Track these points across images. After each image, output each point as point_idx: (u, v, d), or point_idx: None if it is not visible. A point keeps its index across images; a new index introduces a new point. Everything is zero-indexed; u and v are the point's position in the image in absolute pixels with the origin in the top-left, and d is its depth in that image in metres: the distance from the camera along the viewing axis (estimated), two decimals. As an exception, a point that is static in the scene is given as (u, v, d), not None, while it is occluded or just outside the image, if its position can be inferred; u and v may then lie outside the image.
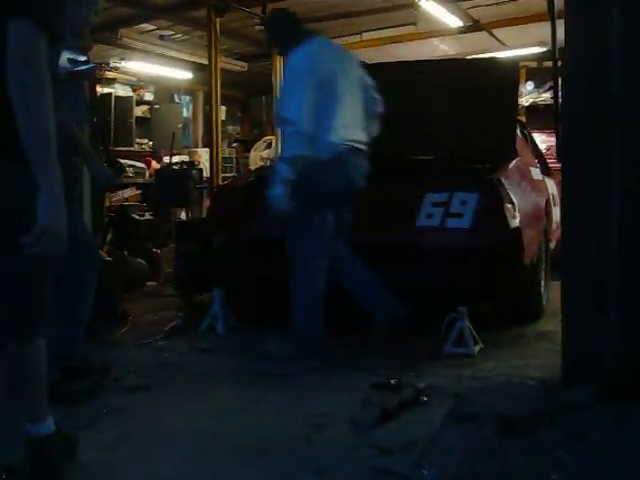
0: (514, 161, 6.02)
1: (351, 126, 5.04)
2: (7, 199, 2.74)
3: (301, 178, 4.75)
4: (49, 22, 2.68)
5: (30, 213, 2.60)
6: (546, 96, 13.58)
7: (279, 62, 10.49)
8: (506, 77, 6.59)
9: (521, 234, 5.31)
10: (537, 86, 13.96)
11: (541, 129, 12.65)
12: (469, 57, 11.89)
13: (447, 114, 6.34)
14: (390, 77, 6.92)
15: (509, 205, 5.30)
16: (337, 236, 5.11)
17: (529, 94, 13.88)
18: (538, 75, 13.50)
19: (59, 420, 3.11)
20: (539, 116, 13.40)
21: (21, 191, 2.68)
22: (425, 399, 4.08)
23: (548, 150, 11.73)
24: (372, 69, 7.89)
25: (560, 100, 4.63)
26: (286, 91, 5.01)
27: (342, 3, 8.62)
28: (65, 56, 4.04)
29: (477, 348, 5.09)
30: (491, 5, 9.28)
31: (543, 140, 12.64)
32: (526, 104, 13.52)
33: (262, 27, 9.10)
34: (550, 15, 4.91)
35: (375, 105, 5.36)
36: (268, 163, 11.95)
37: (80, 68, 4.22)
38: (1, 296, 2.89)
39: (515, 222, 5.28)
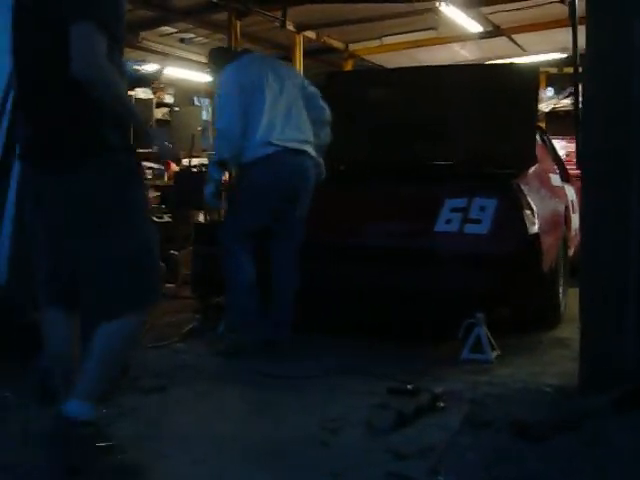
0: (533, 167, 6.01)
1: (283, 127, 5.21)
2: (99, 189, 3.00)
3: (235, 178, 5.02)
4: (109, 25, 2.91)
5: (121, 198, 3.02)
6: (566, 102, 13.53)
7: (299, 65, 10.51)
8: (526, 83, 6.59)
9: (540, 240, 5.29)
10: (557, 92, 13.91)
11: (561, 135, 12.61)
12: (489, 62, 11.91)
13: (467, 119, 6.34)
14: (411, 82, 6.96)
15: (528, 211, 5.28)
16: (284, 237, 5.32)
17: (549, 100, 13.82)
18: (558, 81, 13.44)
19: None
20: (559, 122, 13.35)
21: (112, 181, 3.01)
22: (442, 405, 4.07)
23: (568, 156, 11.70)
24: (392, 74, 7.94)
25: (580, 106, 4.60)
26: (219, 103, 5.43)
27: (362, 8, 8.60)
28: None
29: (494, 354, 5.07)
30: (512, 11, 9.23)
31: (563, 146, 12.61)
32: (546, 110, 13.46)
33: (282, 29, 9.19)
34: (571, 20, 4.88)
35: (321, 113, 5.57)
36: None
37: (146, 72, 4.35)
38: (92, 280, 3.08)
39: (534, 228, 5.26)
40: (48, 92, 3.01)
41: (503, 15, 9.69)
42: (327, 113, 5.57)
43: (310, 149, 5.34)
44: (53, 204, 3.09)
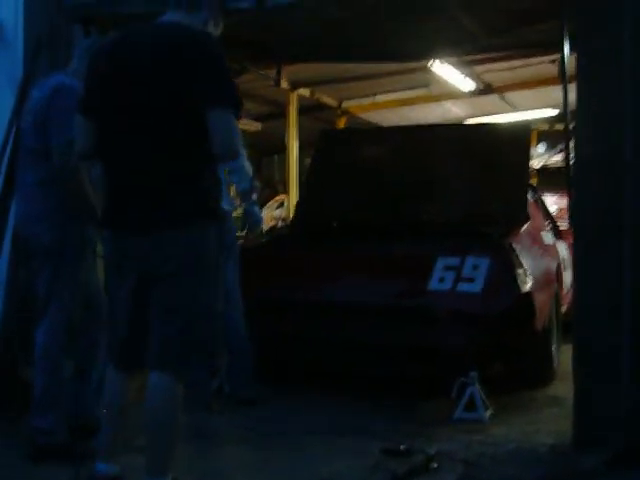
0: (525, 225, 6.05)
1: None
2: (203, 246, 3.25)
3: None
4: (237, 102, 3.18)
5: (215, 261, 3.29)
6: (557, 159, 13.65)
7: (293, 122, 10.60)
8: (518, 142, 6.67)
9: (532, 299, 5.32)
10: (548, 148, 14.04)
11: (552, 191, 12.70)
12: (482, 122, 12.03)
13: (460, 178, 6.40)
14: (403, 141, 7.04)
15: (520, 270, 5.31)
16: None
17: (540, 156, 13.95)
18: (549, 137, 13.58)
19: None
20: (550, 178, 13.44)
21: (211, 242, 3.26)
22: (435, 465, 4.05)
23: (559, 212, 11.76)
24: (385, 132, 8.03)
25: (571, 164, 4.66)
26: None
27: (355, 67, 8.70)
28: None
29: (488, 413, 5.06)
30: (504, 70, 9.36)
31: (554, 202, 12.68)
32: (537, 166, 13.58)
33: (276, 87, 9.28)
34: (561, 80, 4.96)
35: None
36: (280, 223, 12.01)
37: None
38: (161, 329, 3.21)
39: (526, 287, 5.29)
40: (162, 163, 3.21)
41: (494, 74, 9.82)
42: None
43: None
44: (150, 258, 3.25)
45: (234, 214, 5.62)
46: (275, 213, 14.33)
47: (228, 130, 3.13)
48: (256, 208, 5.57)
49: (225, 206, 5.42)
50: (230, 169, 5.42)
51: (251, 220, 5.56)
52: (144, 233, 3.23)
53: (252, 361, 5.36)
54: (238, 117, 3.20)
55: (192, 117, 3.13)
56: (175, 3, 3.41)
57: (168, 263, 3.21)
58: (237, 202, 5.75)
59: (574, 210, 4.65)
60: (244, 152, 5.40)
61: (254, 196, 5.49)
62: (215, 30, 3.47)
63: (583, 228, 4.41)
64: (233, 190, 5.77)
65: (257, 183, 5.54)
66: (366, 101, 11.54)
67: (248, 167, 5.39)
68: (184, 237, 3.20)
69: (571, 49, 4.79)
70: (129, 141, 3.23)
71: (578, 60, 4.39)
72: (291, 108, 10.50)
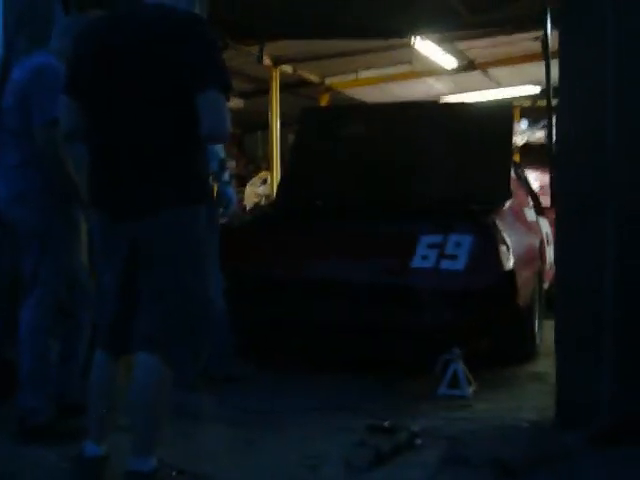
0: (508, 203, 6.07)
1: None
2: (192, 230, 3.27)
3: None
4: (228, 83, 3.18)
5: (203, 245, 3.32)
6: (540, 135, 13.67)
7: (276, 99, 10.57)
8: (501, 120, 6.69)
9: (515, 276, 5.35)
10: (531, 125, 14.05)
11: (535, 167, 12.72)
12: (465, 98, 12.04)
13: (443, 156, 6.40)
14: (386, 119, 7.04)
15: (503, 247, 5.33)
16: None
17: (523, 132, 13.96)
18: (532, 113, 13.59)
19: (55, 459, 3.13)
20: (533, 154, 13.46)
21: (187, 226, 3.24)
22: (420, 442, 4.08)
23: (541, 188, 11.79)
24: (367, 110, 8.02)
25: (554, 139, 4.67)
26: None
27: (338, 43, 8.68)
28: None
29: (471, 390, 5.10)
30: (487, 47, 9.36)
31: (536, 178, 12.70)
32: (520, 142, 13.59)
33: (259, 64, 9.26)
34: (544, 57, 4.97)
35: None
36: (263, 200, 12.00)
37: None
38: (150, 310, 3.22)
39: (509, 264, 5.31)
40: (151, 144, 3.20)
41: (477, 50, 9.81)
42: None
43: None
44: (139, 241, 3.25)
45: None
46: (259, 190, 14.31)
47: (218, 111, 3.12)
48: (229, 189, 5.49)
49: None
50: None
51: (224, 201, 5.49)
52: (134, 215, 3.22)
53: (233, 338, 5.37)
54: (227, 98, 3.19)
55: (182, 99, 3.13)
56: None
57: (158, 245, 3.21)
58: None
59: (556, 188, 4.66)
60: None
61: (226, 176, 5.44)
62: (201, 11, 3.46)
63: (565, 207, 4.43)
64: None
65: (229, 162, 5.48)
66: (349, 77, 11.51)
67: (218, 147, 5.38)
68: (174, 219, 3.21)
69: (554, 26, 4.79)
70: (117, 122, 3.22)
71: (560, 37, 4.40)
72: (274, 85, 10.46)
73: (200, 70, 3.12)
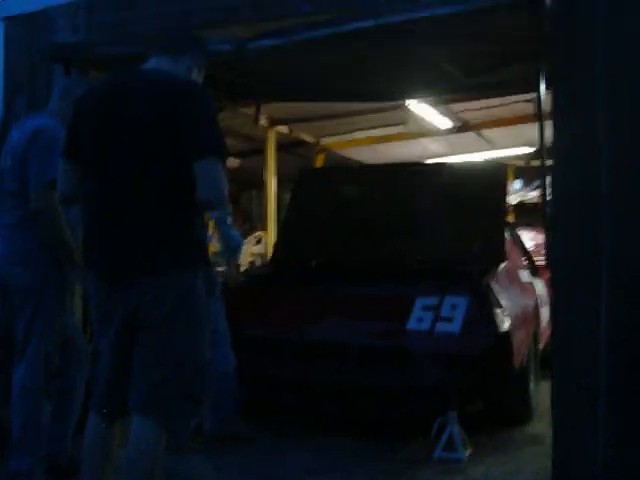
0: (503, 265, 6.09)
1: None
2: (192, 293, 3.25)
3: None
4: (224, 151, 3.23)
5: (203, 309, 3.29)
6: (534, 194, 13.71)
7: (271, 158, 10.63)
8: (495, 181, 6.74)
9: (510, 338, 5.34)
10: (525, 184, 14.11)
11: (529, 227, 12.76)
12: (459, 160, 12.11)
13: (437, 217, 6.44)
14: (380, 180, 7.09)
15: (498, 309, 5.34)
16: None
17: (517, 192, 14.01)
18: (526, 173, 13.65)
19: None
20: (527, 214, 13.50)
21: (185, 291, 3.23)
22: (416, 507, 4.05)
23: (536, 248, 11.81)
24: (362, 171, 8.07)
25: (548, 199, 4.71)
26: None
27: (334, 105, 8.76)
28: None
29: (467, 453, 5.07)
30: (482, 109, 9.44)
31: (531, 238, 12.74)
32: (514, 202, 13.64)
33: (255, 125, 9.31)
34: (538, 117, 5.03)
35: None
36: (259, 261, 11.99)
37: None
38: (146, 376, 3.21)
39: (504, 326, 5.31)
40: (149, 209, 3.22)
41: (471, 112, 9.90)
42: None
43: None
44: (138, 305, 3.22)
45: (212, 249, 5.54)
46: (254, 249, 14.28)
47: (214, 178, 3.15)
48: (234, 231, 5.34)
49: None
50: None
51: (230, 244, 5.33)
52: (130, 280, 3.23)
53: (237, 398, 5.33)
54: (224, 166, 3.21)
55: (179, 165, 3.16)
56: (161, 48, 3.45)
57: (157, 309, 3.20)
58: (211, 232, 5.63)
59: (550, 248, 4.68)
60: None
61: (229, 219, 5.33)
62: (198, 77, 3.50)
63: (560, 266, 4.44)
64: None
65: (230, 207, 5.36)
66: (344, 138, 11.57)
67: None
68: (171, 284, 3.21)
69: (546, 87, 4.86)
70: (115, 187, 3.24)
71: (554, 99, 4.44)
72: (269, 145, 10.52)
73: (197, 138, 3.16)
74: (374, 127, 10.92)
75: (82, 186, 3.38)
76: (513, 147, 12.41)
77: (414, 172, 7.40)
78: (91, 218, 3.38)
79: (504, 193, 6.83)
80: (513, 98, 8.47)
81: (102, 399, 3.39)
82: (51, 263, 4.16)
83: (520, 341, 5.64)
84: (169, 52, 3.42)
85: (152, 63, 3.43)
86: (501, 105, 9.13)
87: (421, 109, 9.26)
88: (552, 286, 4.58)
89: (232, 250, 5.38)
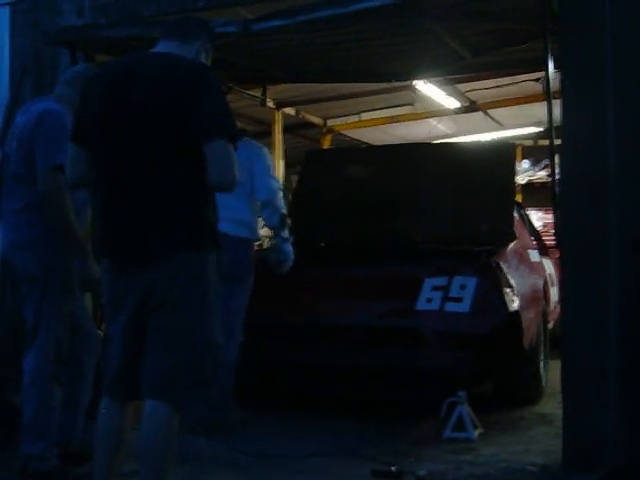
0: (512, 244, 6.07)
1: None
2: (206, 274, 3.25)
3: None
4: (235, 133, 3.21)
5: (215, 291, 3.28)
6: (542, 174, 13.69)
7: (278, 140, 10.62)
8: (503, 160, 6.71)
9: (520, 318, 5.34)
10: (533, 164, 14.07)
11: (537, 206, 12.74)
12: (466, 140, 12.07)
13: (446, 197, 6.42)
14: (389, 160, 7.06)
15: (508, 289, 5.34)
16: None
17: (525, 172, 13.98)
18: (534, 153, 13.62)
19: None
20: (535, 193, 13.50)
21: (196, 274, 3.22)
22: (426, 486, 4.06)
23: (544, 227, 11.80)
24: (370, 152, 8.05)
25: (557, 179, 4.70)
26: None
27: (341, 86, 8.73)
28: None
29: (477, 432, 5.07)
30: (489, 88, 9.40)
31: (539, 217, 12.73)
32: (522, 182, 13.63)
33: (262, 107, 9.30)
34: (546, 97, 5.01)
35: (258, 194, 5.50)
36: (267, 242, 12.00)
37: None
38: (159, 359, 3.19)
39: (514, 306, 5.31)
40: (160, 192, 3.21)
41: (479, 92, 9.85)
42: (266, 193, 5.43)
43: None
44: (151, 287, 3.22)
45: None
46: (262, 231, 14.25)
47: (225, 160, 3.14)
48: (287, 245, 5.36)
49: (251, 236, 5.43)
50: (262, 202, 5.42)
51: (279, 257, 5.38)
52: (143, 263, 3.22)
53: (229, 386, 5.32)
54: (235, 148, 3.21)
55: (190, 148, 3.15)
56: (169, 32, 3.43)
57: (170, 292, 3.20)
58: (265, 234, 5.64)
59: (560, 227, 4.67)
60: (279, 187, 5.44)
61: (285, 232, 5.36)
62: (206, 61, 3.49)
63: (569, 246, 4.44)
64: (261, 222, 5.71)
65: (289, 220, 5.41)
66: (351, 119, 11.54)
67: (280, 204, 5.38)
68: (184, 266, 3.20)
69: (555, 66, 4.83)
70: (125, 171, 3.22)
71: (562, 79, 4.44)
72: (276, 127, 10.49)
73: (208, 120, 3.15)
74: (381, 108, 10.89)
75: (91, 171, 3.37)
76: (521, 127, 12.37)
77: (422, 152, 7.39)
78: (102, 202, 3.37)
79: (513, 172, 6.82)
80: (521, 77, 8.43)
81: (114, 383, 3.39)
82: (57, 248, 4.15)
83: (529, 321, 5.63)
84: (178, 36, 3.41)
85: (161, 46, 3.41)
86: (509, 84, 9.08)
87: (428, 89, 9.22)
88: (561, 265, 4.58)
89: (280, 262, 5.40)
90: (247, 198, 5.38)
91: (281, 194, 5.46)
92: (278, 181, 5.53)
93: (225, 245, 4.78)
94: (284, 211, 5.39)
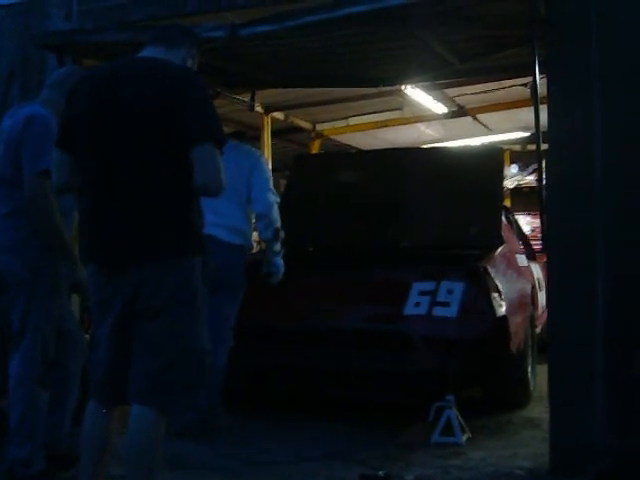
0: (500, 249, 6.09)
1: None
2: (191, 279, 3.25)
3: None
4: (222, 137, 3.21)
5: (202, 296, 3.28)
6: (530, 179, 13.75)
7: (267, 145, 10.62)
8: (491, 165, 6.72)
9: (508, 323, 5.36)
10: (521, 169, 14.13)
11: (525, 211, 12.78)
12: (455, 145, 12.09)
13: (434, 202, 6.43)
14: (376, 165, 7.07)
15: (495, 294, 5.35)
16: None
17: (513, 177, 14.04)
18: (522, 158, 13.66)
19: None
20: (523, 198, 13.55)
21: (183, 278, 3.22)
22: (414, 491, 4.06)
23: (533, 232, 11.84)
24: (358, 157, 8.05)
25: (544, 183, 4.73)
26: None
27: (329, 91, 8.74)
28: None
29: (465, 437, 5.08)
30: (477, 93, 9.42)
31: (527, 222, 12.77)
32: (510, 187, 13.67)
33: (250, 112, 9.30)
34: (534, 102, 5.03)
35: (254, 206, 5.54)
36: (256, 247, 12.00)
37: None
38: (146, 363, 3.19)
39: (501, 311, 5.33)
40: (147, 197, 3.21)
41: (467, 97, 9.88)
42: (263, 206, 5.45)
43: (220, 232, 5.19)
44: (138, 292, 3.22)
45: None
46: (255, 235, 14.22)
47: (212, 164, 3.15)
48: (278, 259, 5.42)
49: (244, 243, 5.42)
50: (258, 215, 5.45)
51: (270, 269, 5.42)
52: (130, 267, 3.22)
53: (220, 390, 5.31)
54: (221, 152, 3.21)
55: (176, 152, 3.16)
56: (155, 39, 3.44)
57: (157, 296, 3.20)
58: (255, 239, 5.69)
59: (547, 231, 4.69)
60: (276, 200, 5.44)
61: (277, 246, 5.40)
62: (193, 66, 3.50)
63: (556, 249, 4.46)
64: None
65: (282, 234, 5.44)
66: (340, 124, 11.54)
67: (276, 217, 5.40)
68: (172, 270, 3.21)
69: (542, 72, 4.86)
70: (114, 174, 3.22)
71: (549, 86, 4.46)
72: (265, 131, 10.50)
73: (195, 124, 3.15)
74: (370, 113, 10.91)
75: (76, 175, 3.37)
76: (509, 132, 12.40)
77: (410, 157, 7.39)
78: (88, 206, 3.37)
79: (501, 176, 6.83)
80: (509, 82, 8.46)
81: (101, 387, 3.38)
82: (44, 252, 4.14)
83: (517, 325, 5.65)
84: (163, 43, 3.42)
85: (147, 52, 3.42)
86: (497, 89, 9.11)
87: (417, 94, 9.24)
88: (548, 269, 4.60)
89: (270, 275, 5.45)
90: (243, 206, 5.41)
91: (277, 208, 5.47)
92: (276, 194, 5.54)
93: (218, 251, 4.84)
94: (278, 225, 5.41)
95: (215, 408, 5.28)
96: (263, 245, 5.73)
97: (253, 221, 5.65)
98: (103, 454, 3.38)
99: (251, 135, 11.23)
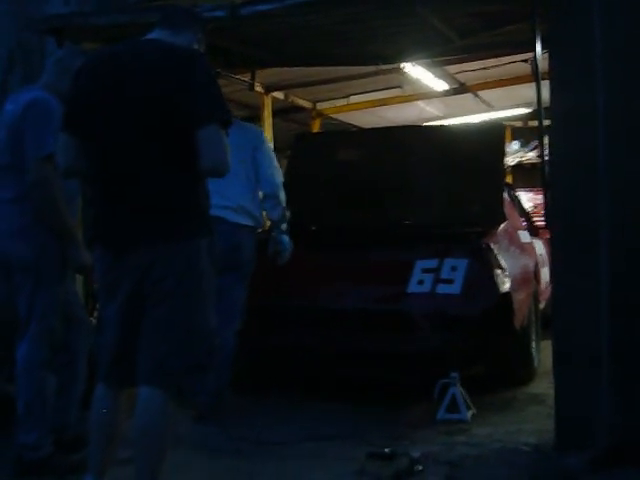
0: (502, 225, 6.09)
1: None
2: (199, 261, 3.26)
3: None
4: (227, 118, 3.21)
5: (198, 269, 3.26)
6: (532, 155, 13.69)
7: (268, 125, 10.60)
8: (492, 141, 6.71)
9: (511, 299, 5.36)
10: (523, 145, 14.06)
11: (527, 187, 12.74)
12: (456, 122, 12.05)
13: (436, 179, 6.42)
14: (378, 143, 7.06)
15: (498, 270, 5.36)
16: None
17: (515, 153, 13.98)
18: (524, 134, 13.61)
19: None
20: (525, 174, 13.50)
21: (190, 260, 3.23)
22: (420, 468, 4.08)
23: (535, 208, 11.81)
24: (360, 135, 8.03)
25: (546, 160, 4.72)
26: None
27: (329, 69, 8.70)
28: None
29: (470, 413, 5.10)
30: (478, 70, 9.38)
31: (530, 198, 12.73)
32: (512, 163, 13.62)
33: (250, 91, 9.28)
34: (535, 79, 5.01)
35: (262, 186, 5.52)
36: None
37: None
38: (154, 345, 3.21)
39: (505, 287, 5.33)
40: (153, 179, 3.22)
41: (468, 73, 9.84)
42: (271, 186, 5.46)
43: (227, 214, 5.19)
44: (146, 274, 3.23)
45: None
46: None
47: (217, 146, 3.16)
48: (285, 237, 5.45)
49: (252, 223, 5.41)
50: (266, 194, 5.44)
51: (278, 248, 5.44)
52: (138, 249, 3.23)
53: (228, 371, 5.32)
54: (227, 133, 3.21)
55: (182, 134, 3.16)
56: (158, 22, 3.44)
57: (164, 280, 3.21)
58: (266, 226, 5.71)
59: (550, 208, 4.69)
60: (281, 181, 5.46)
61: (284, 225, 5.44)
62: (200, 49, 3.49)
63: (559, 226, 4.45)
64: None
65: (288, 213, 5.47)
66: (340, 102, 11.50)
67: (283, 198, 5.42)
68: (179, 252, 3.22)
69: (543, 48, 4.84)
70: (120, 157, 3.23)
71: (550, 62, 4.44)
72: (266, 111, 10.47)
73: (200, 106, 3.16)
74: (370, 91, 10.87)
75: (82, 159, 3.37)
76: (511, 108, 12.34)
77: (411, 135, 7.38)
78: (95, 189, 3.37)
79: (502, 153, 6.82)
80: (510, 58, 8.41)
81: (109, 369, 3.39)
82: (49, 237, 4.14)
83: (521, 301, 5.66)
84: (170, 27, 3.42)
85: (154, 34, 3.42)
86: (498, 65, 9.06)
87: (417, 72, 9.20)
88: (551, 246, 4.59)
89: (278, 253, 5.47)
90: (249, 186, 5.39)
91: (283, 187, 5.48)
92: (281, 172, 5.54)
93: (226, 232, 4.84)
94: (284, 205, 5.43)
95: (222, 389, 5.30)
96: (267, 224, 5.72)
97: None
98: (111, 438, 3.40)
99: (251, 115, 11.26)
